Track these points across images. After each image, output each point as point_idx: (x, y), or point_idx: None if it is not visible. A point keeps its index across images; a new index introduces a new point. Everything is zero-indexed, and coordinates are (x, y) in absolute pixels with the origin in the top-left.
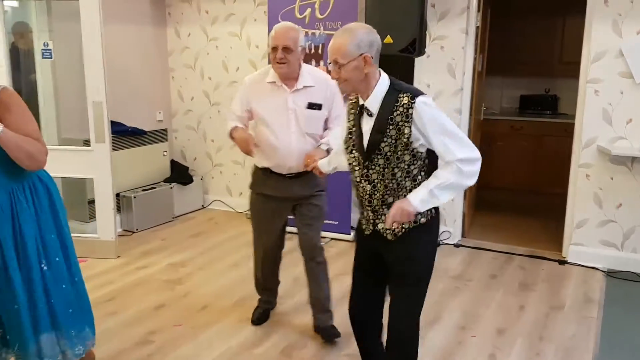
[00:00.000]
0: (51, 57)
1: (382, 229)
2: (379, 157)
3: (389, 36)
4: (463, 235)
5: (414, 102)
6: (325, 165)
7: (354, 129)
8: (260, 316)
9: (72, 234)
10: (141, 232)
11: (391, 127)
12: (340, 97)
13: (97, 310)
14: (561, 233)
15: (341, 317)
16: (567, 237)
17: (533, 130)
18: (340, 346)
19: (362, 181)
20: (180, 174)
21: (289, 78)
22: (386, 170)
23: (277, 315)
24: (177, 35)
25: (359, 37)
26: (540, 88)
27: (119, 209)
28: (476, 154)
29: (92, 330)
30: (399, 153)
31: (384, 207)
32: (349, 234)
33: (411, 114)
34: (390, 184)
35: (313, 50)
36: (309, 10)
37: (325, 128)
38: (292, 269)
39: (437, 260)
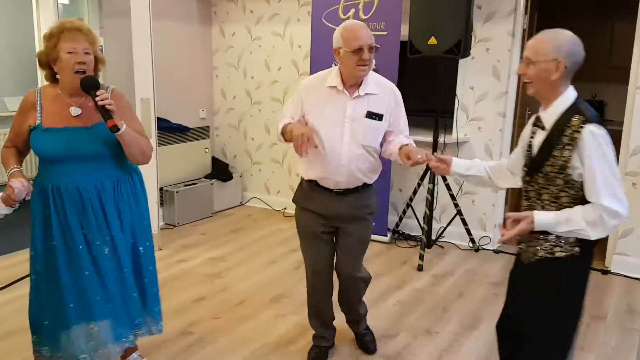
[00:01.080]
0: (102, 54)
1: (522, 249)
2: (539, 175)
3: (433, 37)
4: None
5: (582, 128)
6: (462, 166)
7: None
8: (317, 357)
9: None
10: (182, 226)
11: (558, 146)
12: (403, 110)
13: None
14: (604, 242)
15: (373, 320)
16: (610, 246)
17: None
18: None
19: (523, 196)
20: (220, 171)
21: (354, 84)
22: (543, 190)
23: None
24: (222, 34)
25: (561, 41)
26: (587, 93)
27: (161, 202)
28: (623, 209)
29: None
30: (555, 175)
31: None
32: (386, 236)
33: (576, 138)
34: (541, 205)
35: None
36: (352, 10)
37: (382, 142)
38: None
39: (476, 266)
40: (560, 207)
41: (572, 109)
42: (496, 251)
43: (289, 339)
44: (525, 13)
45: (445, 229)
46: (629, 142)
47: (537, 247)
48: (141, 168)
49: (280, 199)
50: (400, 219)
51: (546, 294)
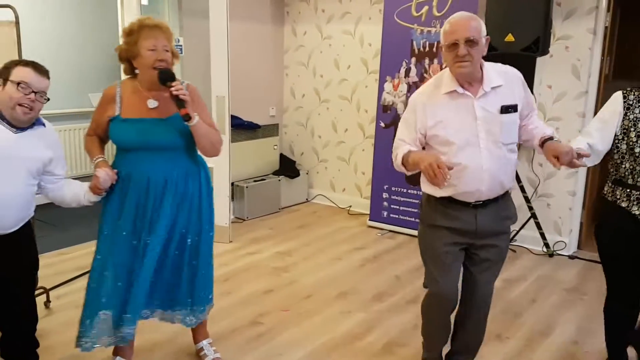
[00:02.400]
0: (181, 53)
1: None
2: None
3: (510, 34)
4: (579, 247)
5: None
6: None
7: None
8: None
9: None
10: (251, 220)
11: None
12: (529, 90)
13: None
14: None
15: None
16: None
17: None
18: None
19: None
20: (288, 168)
21: (473, 80)
22: None
23: (378, 311)
24: (294, 34)
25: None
26: None
27: (232, 197)
28: None
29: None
30: None
31: None
32: None
33: None
34: None
35: (428, 48)
36: (425, 8)
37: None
38: (392, 267)
39: (550, 271)
40: None
41: None
42: (571, 257)
43: (355, 335)
44: (608, 10)
45: (518, 232)
46: None
47: None
48: (214, 163)
49: (345, 196)
50: None
51: None
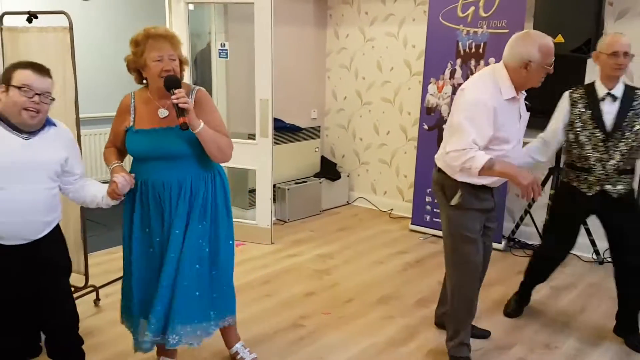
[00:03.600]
0: (227, 57)
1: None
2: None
3: (560, 35)
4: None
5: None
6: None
7: None
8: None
9: (235, 219)
10: (292, 222)
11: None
12: None
13: (254, 291)
14: None
15: (490, 325)
16: None
17: None
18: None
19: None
20: (329, 170)
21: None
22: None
23: (421, 317)
24: (336, 36)
25: None
26: None
27: (274, 199)
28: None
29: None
30: None
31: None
32: (500, 243)
33: None
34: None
35: (474, 49)
36: (472, 8)
37: None
38: (435, 272)
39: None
40: None
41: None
42: None
43: (399, 341)
44: None
45: None
46: None
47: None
48: (257, 165)
49: (386, 200)
50: (517, 226)
51: None
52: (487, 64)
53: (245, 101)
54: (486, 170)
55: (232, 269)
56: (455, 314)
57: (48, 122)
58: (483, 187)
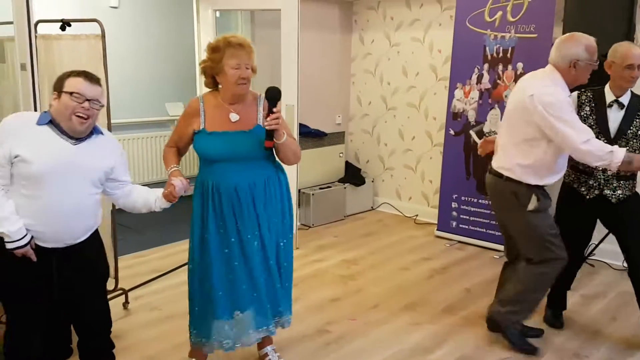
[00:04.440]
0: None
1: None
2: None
3: None
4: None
5: None
6: None
7: None
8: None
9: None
10: (316, 227)
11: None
12: None
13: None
14: None
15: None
16: None
17: None
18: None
19: None
20: (353, 175)
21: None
22: None
23: (449, 324)
24: (361, 42)
25: None
26: None
27: (298, 204)
28: None
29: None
30: None
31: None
32: None
33: None
34: None
35: (501, 54)
36: (499, 13)
37: None
38: (462, 279)
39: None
40: None
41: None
42: None
43: (425, 348)
44: None
45: (597, 246)
46: None
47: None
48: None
49: (411, 205)
50: None
51: None
52: (514, 69)
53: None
54: (626, 164)
55: (291, 265)
56: (531, 294)
57: (96, 130)
58: (543, 188)
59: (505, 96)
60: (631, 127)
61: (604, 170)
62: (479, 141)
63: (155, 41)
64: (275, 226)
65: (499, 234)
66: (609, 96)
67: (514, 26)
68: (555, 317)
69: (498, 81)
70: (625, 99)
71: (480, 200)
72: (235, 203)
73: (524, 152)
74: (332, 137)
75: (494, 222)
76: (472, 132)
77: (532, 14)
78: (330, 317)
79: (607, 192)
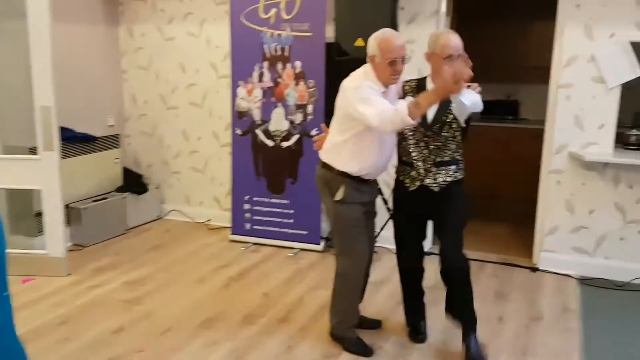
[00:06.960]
0: None
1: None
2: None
3: (360, 39)
4: (434, 243)
5: None
6: None
7: None
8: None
9: (19, 250)
10: (93, 247)
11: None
12: None
13: (48, 336)
14: (531, 240)
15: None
16: (537, 243)
17: (497, 135)
18: None
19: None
20: (133, 183)
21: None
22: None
23: (247, 338)
24: (130, 35)
25: None
26: (500, 93)
27: (68, 221)
28: None
29: None
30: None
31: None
32: (319, 244)
33: None
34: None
35: (280, 52)
36: (274, 10)
37: None
38: (260, 284)
39: None
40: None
41: None
42: (427, 253)
43: None
44: (447, 14)
45: (378, 233)
46: (552, 140)
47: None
48: (40, 184)
49: (203, 210)
50: None
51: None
52: (293, 67)
53: (22, 109)
54: (413, 109)
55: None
56: (343, 299)
57: None
58: (362, 181)
59: (287, 94)
60: (446, 114)
61: (424, 160)
62: (266, 141)
63: None
64: None
65: (292, 231)
66: (430, 86)
67: (289, 24)
68: (416, 331)
69: (279, 80)
70: None
71: (272, 200)
72: None
73: (338, 133)
74: (104, 141)
75: (286, 221)
76: (258, 132)
77: (305, 12)
78: (112, 354)
79: (427, 181)
